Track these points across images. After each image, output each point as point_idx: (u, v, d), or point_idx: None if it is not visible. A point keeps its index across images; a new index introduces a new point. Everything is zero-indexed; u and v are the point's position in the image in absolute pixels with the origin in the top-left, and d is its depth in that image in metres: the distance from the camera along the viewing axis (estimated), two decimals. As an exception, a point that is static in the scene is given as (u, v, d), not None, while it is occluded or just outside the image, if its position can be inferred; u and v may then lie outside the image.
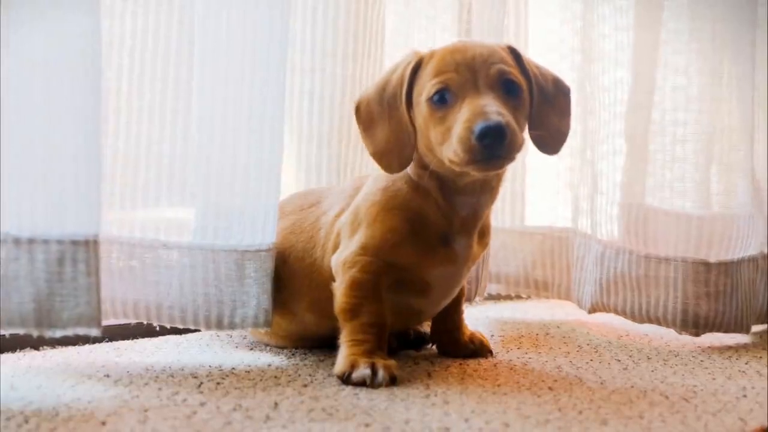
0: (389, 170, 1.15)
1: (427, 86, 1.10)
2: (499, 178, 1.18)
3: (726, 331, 1.46)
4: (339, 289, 1.16)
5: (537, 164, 1.67)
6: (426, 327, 1.36)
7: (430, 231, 1.16)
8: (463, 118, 1.05)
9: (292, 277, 1.23)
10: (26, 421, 0.91)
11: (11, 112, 1.01)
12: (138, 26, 1.19)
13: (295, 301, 1.24)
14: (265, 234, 1.21)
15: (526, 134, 1.14)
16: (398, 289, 1.17)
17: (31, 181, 1.02)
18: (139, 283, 1.19)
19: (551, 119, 1.17)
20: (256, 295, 1.20)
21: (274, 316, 1.22)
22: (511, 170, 1.64)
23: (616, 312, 1.50)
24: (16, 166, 1.01)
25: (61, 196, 1.03)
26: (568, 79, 1.59)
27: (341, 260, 1.16)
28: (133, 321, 1.22)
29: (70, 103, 1.03)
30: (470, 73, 1.09)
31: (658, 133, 1.51)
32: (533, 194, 1.70)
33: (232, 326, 1.21)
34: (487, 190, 1.17)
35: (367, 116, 1.16)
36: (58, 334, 1.03)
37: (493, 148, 1.03)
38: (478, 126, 1.03)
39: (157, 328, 1.27)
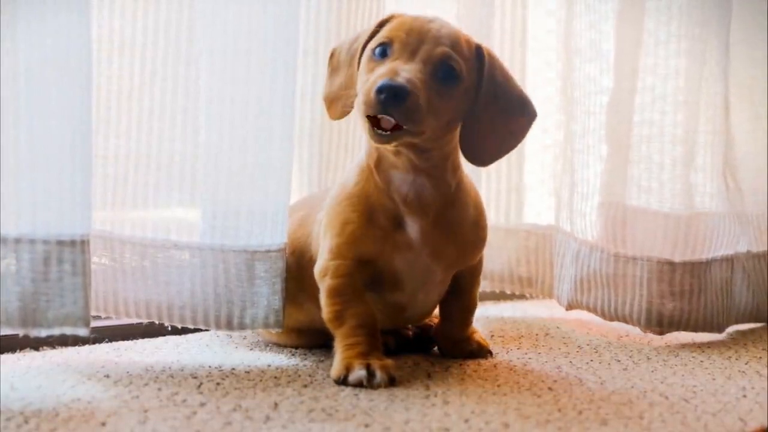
0: (331, 115, 1.19)
1: (377, 38, 1.13)
2: (430, 162, 1.15)
3: (694, 330, 1.47)
4: (321, 299, 1.17)
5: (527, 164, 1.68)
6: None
7: (380, 214, 1.15)
8: (377, 73, 1.07)
9: (297, 269, 1.24)
10: (26, 422, 0.91)
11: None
12: (149, 25, 1.20)
13: (300, 291, 1.24)
14: (274, 234, 1.21)
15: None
16: (374, 286, 1.17)
17: (18, 180, 1.02)
18: (151, 283, 1.20)
19: (493, 131, 1.16)
20: (266, 295, 1.20)
21: (286, 306, 1.22)
22: (505, 168, 1.66)
23: (588, 309, 1.51)
24: (2, 166, 1.01)
25: (47, 196, 1.03)
26: (562, 76, 1.61)
27: (317, 269, 1.17)
28: (145, 321, 1.23)
29: (59, 104, 1.03)
30: (417, 41, 1.10)
31: (640, 133, 1.51)
32: (521, 192, 1.70)
33: (242, 327, 1.21)
34: (421, 170, 1.15)
35: (336, 62, 1.20)
36: (44, 333, 1.03)
37: (386, 106, 1.04)
38: (381, 81, 1.04)
39: (166, 327, 1.28)
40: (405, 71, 1.06)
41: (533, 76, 1.65)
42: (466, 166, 1.20)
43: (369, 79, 1.08)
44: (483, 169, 1.55)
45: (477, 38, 1.19)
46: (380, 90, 1.04)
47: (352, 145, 1.47)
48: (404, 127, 1.06)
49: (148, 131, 1.21)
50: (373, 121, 1.07)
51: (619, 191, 1.52)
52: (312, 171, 1.45)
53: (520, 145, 1.55)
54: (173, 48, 1.21)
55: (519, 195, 1.67)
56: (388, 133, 1.07)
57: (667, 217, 1.50)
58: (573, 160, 1.54)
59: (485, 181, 1.61)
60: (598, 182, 1.52)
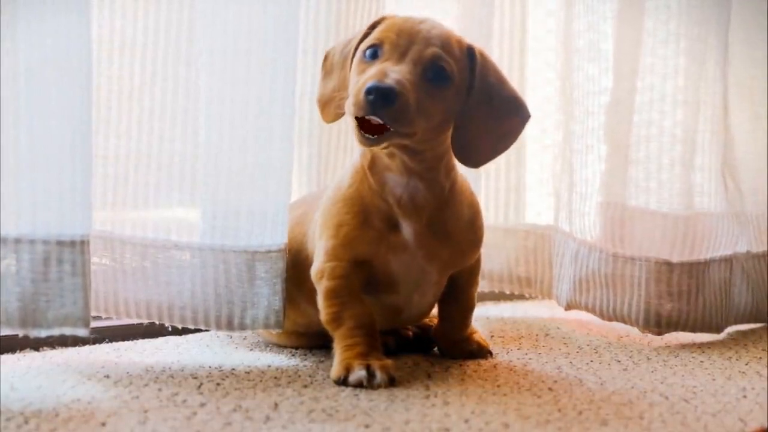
0: (325, 118, 1.19)
1: (368, 39, 1.13)
2: (424, 164, 1.14)
3: (692, 331, 1.47)
4: (319, 301, 1.17)
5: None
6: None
7: (375, 216, 1.15)
8: (366, 75, 1.07)
9: (294, 267, 1.23)
10: (26, 422, 0.91)
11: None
12: (149, 25, 1.20)
13: (298, 290, 1.24)
14: (275, 234, 1.21)
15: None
16: (369, 288, 1.17)
17: (18, 180, 1.02)
18: (151, 283, 1.20)
19: (486, 132, 1.15)
20: (267, 296, 1.21)
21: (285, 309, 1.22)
22: (504, 168, 1.66)
23: (587, 309, 1.52)
24: (2, 166, 1.01)
25: (47, 196, 1.03)
26: (561, 76, 1.61)
27: (314, 271, 1.17)
28: (145, 321, 1.23)
29: (59, 104, 1.03)
30: (407, 42, 1.10)
31: (639, 133, 1.52)
32: (520, 192, 1.70)
33: (242, 327, 1.21)
34: (415, 172, 1.15)
35: (329, 65, 1.20)
36: (44, 333, 1.03)
37: (375, 107, 1.03)
38: (370, 83, 1.04)
39: (167, 327, 1.28)
40: (394, 72, 1.06)
41: (533, 76, 1.65)
42: (464, 167, 1.20)
43: (359, 80, 1.08)
44: (482, 169, 1.55)
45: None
46: (369, 91, 1.04)
47: (352, 145, 1.47)
48: (391, 129, 1.06)
49: (148, 131, 1.21)
50: (363, 122, 1.06)
51: (618, 191, 1.52)
52: (312, 171, 1.45)
53: (519, 146, 1.56)
54: (173, 48, 1.21)
55: (518, 195, 1.67)
56: (375, 137, 1.06)
57: (665, 217, 1.50)
58: (572, 160, 1.54)
59: (484, 181, 1.62)
60: (597, 182, 1.52)
